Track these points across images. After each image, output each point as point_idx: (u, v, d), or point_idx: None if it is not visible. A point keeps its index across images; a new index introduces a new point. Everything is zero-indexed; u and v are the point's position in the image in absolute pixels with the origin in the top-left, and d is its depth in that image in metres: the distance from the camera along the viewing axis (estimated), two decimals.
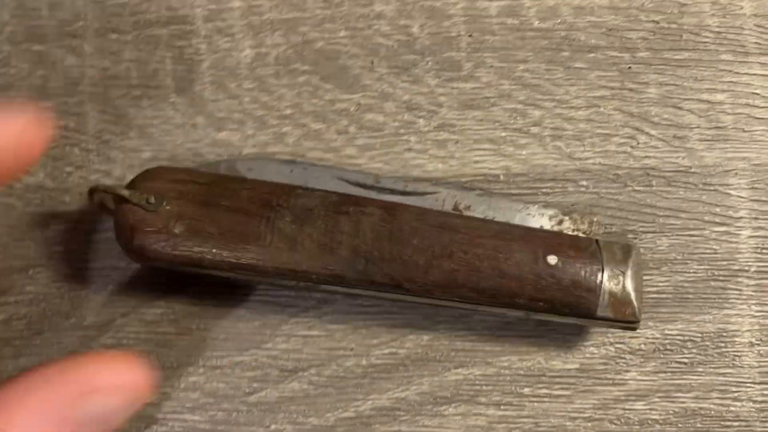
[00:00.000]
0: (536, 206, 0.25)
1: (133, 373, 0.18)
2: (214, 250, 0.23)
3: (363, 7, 0.26)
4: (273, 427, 0.25)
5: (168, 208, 0.23)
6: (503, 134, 0.25)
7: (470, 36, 0.26)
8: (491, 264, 0.23)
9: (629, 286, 0.23)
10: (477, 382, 0.25)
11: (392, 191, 0.25)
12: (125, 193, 0.22)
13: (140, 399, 0.18)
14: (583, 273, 0.23)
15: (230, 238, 0.23)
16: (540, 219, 0.24)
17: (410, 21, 0.26)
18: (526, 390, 0.25)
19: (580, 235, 0.24)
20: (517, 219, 0.24)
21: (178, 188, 0.23)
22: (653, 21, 0.26)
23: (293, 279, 0.23)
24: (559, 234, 0.24)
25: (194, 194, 0.23)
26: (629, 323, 0.23)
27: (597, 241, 0.23)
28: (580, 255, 0.23)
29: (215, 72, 0.26)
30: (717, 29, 0.25)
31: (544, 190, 0.25)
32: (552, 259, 0.23)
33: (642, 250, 0.25)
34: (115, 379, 0.18)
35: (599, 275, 0.23)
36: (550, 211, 0.25)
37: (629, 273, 0.23)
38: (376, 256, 0.23)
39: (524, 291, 0.23)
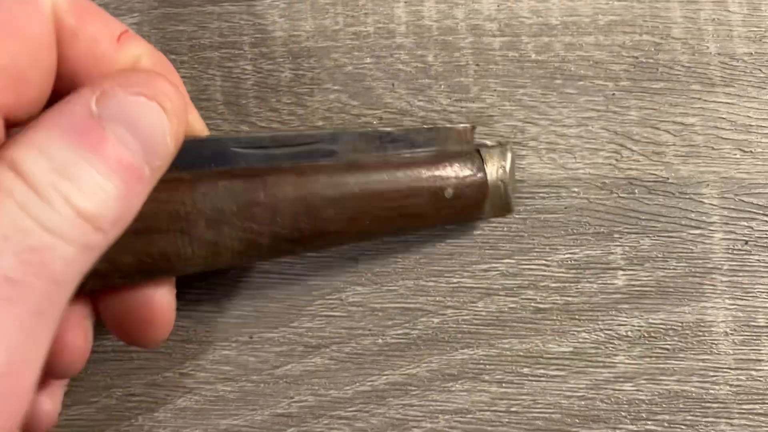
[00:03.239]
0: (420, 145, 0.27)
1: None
2: (135, 277, 0.22)
3: (386, 39, 0.30)
4: (296, 397, 0.28)
5: None
6: None
7: (477, 65, 0.30)
8: (400, 213, 0.25)
9: (509, 189, 0.27)
10: (481, 361, 0.28)
11: (291, 145, 0.25)
12: None
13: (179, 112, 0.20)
14: (473, 194, 0.26)
15: (149, 264, 0.22)
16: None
17: (426, 51, 0.30)
18: (525, 370, 0.28)
19: (464, 147, 0.27)
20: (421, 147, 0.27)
21: None
22: (633, 56, 0.30)
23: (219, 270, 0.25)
24: (451, 163, 0.26)
25: None
26: (505, 215, 0.28)
27: (479, 151, 0.27)
28: (470, 178, 0.26)
29: (258, 89, 0.30)
30: (687, 64, 0.30)
31: (540, 195, 0.29)
32: (449, 192, 0.26)
33: (624, 249, 0.29)
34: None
35: (486, 191, 0.27)
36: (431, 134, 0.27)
37: (507, 176, 0.27)
38: (297, 236, 0.24)
39: (426, 223, 0.26)
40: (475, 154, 0.27)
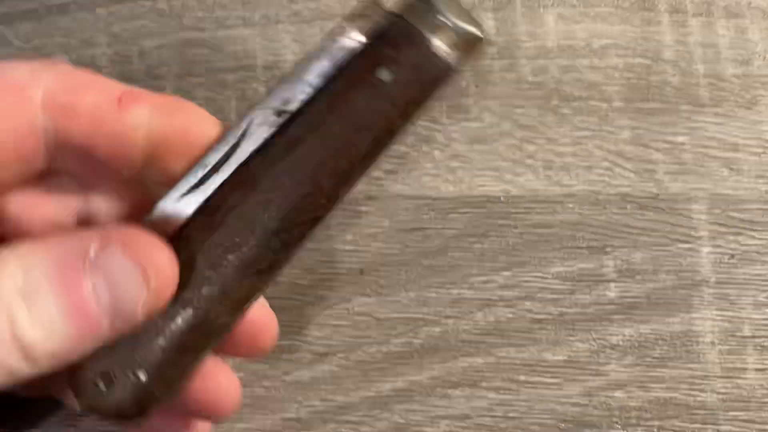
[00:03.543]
0: (335, 42, 0.22)
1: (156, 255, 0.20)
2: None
3: None
4: (305, 403, 0.30)
5: None
6: (503, 164, 0.31)
7: (477, 86, 0.31)
8: (350, 130, 0.22)
9: (455, 21, 0.22)
10: (480, 369, 0.30)
11: (229, 155, 0.22)
12: None
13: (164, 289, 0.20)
14: (414, 55, 0.22)
15: (188, 341, 0.21)
16: (349, 43, 0.22)
17: None
18: (522, 377, 0.30)
19: (380, 20, 0.23)
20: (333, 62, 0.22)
21: None
22: (626, 78, 0.31)
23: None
24: (365, 44, 0.22)
25: None
26: (483, 44, 0.23)
27: (397, 15, 0.22)
28: (398, 42, 0.22)
29: None
30: (678, 86, 0.31)
31: (537, 210, 0.31)
32: (385, 75, 0.22)
33: (616, 262, 0.30)
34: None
35: (427, 42, 0.22)
36: (346, 26, 0.22)
37: (445, 11, 0.22)
38: (271, 228, 0.21)
39: (391, 118, 0.22)
40: (391, 19, 0.22)
